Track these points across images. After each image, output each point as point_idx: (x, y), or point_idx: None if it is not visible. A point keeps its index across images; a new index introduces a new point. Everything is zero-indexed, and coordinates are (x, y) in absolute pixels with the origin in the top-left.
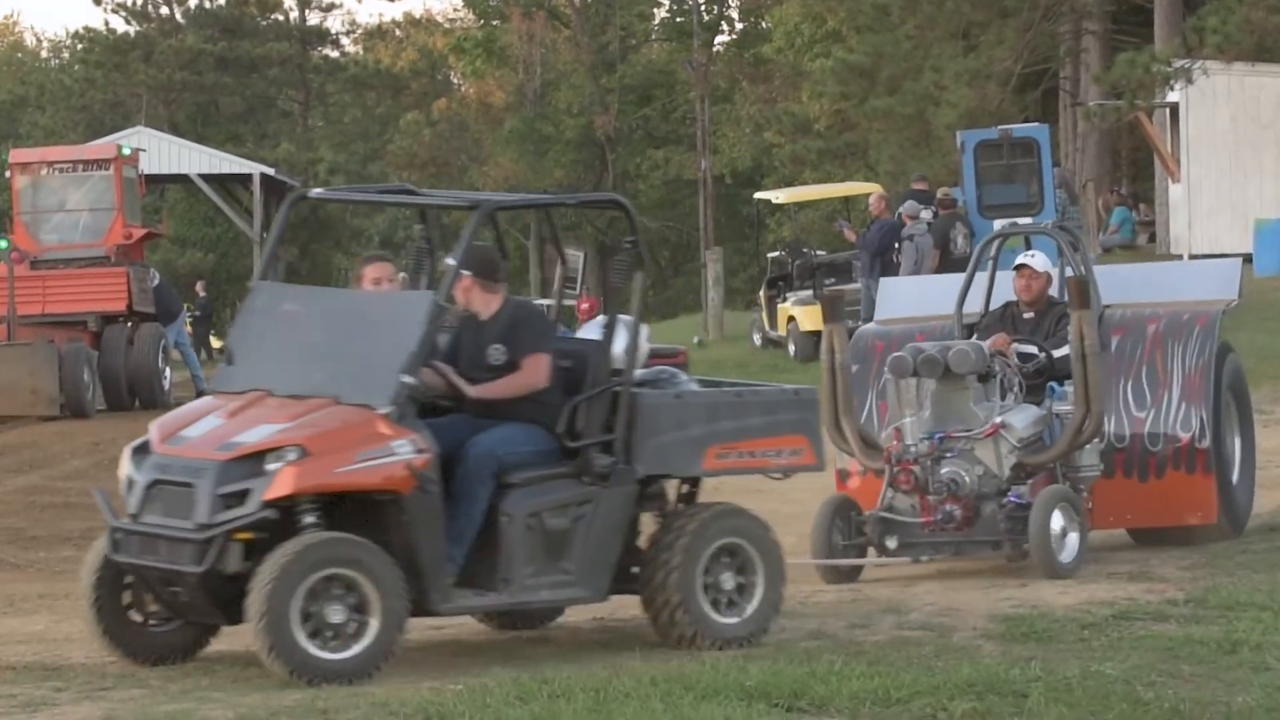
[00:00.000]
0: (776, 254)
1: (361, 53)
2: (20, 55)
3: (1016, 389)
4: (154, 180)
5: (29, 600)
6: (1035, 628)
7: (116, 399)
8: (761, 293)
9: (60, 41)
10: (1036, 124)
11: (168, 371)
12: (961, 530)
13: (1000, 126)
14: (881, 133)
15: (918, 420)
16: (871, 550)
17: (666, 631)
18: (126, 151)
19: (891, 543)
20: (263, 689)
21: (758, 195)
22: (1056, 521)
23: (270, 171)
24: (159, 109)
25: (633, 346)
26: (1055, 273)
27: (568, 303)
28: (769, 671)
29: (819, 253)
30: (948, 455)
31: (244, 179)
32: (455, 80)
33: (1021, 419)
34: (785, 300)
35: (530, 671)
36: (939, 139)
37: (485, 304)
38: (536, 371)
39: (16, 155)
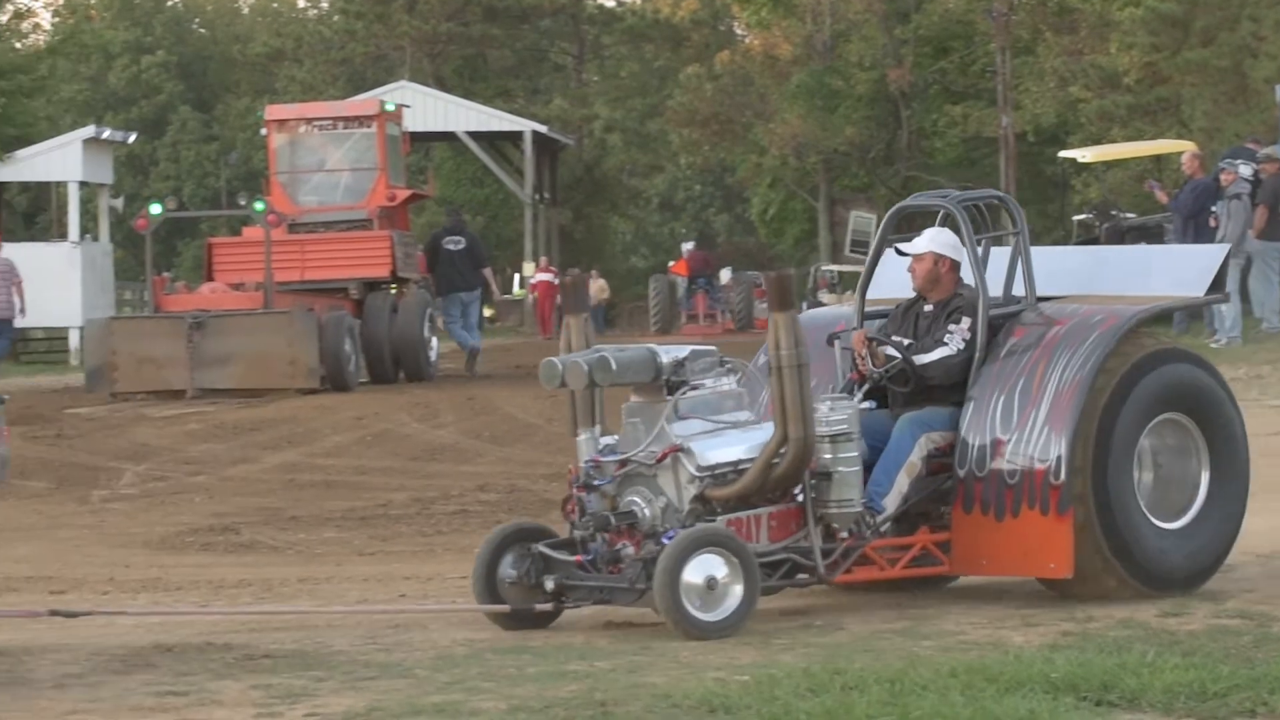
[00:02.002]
0: (1083, 216)
1: (639, 2)
2: (276, 5)
3: (839, 400)
4: (419, 138)
5: (288, 585)
6: None
7: (380, 371)
8: None
9: None
10: None
11: (434, 341)
12: (614, 573)
13: None
14: (1195, 87)
15: (590, 438)
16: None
17: None
18: (390, 108)
19: (549, 583)
20: (537, 680)
21: (1063, 154)
22: (699, 571)
23: (543, 129)
24: (424, 62)
25: None
26: (962, 253)
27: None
28: (1076, 662)
29: (1128, 215)
30: (635, 482)
31: (514, 137)
32: (739, 31)
33: (719, 442)
34: None
35: (821, 662)
36: (1256, 93)
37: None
38: None
39: (273, 112)
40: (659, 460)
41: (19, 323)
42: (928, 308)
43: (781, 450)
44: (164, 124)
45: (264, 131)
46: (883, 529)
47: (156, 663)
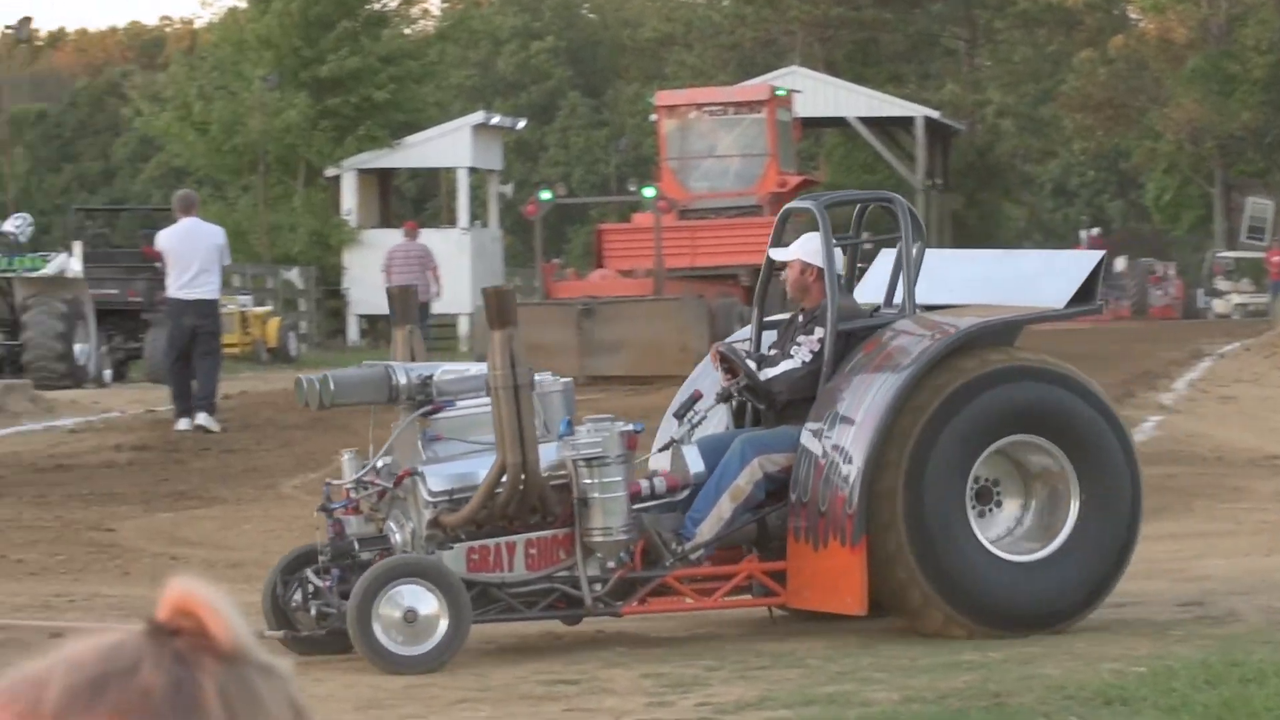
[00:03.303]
0: None
1: None
2: None
3: (600, 421)
4: (810, 124)
5: None
6: None
7: None
8: None
9: None
10: None
11: None
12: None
13: None
14: None
15: (352, 458)
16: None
17: None
18: (781, 93)
19: (313, 609)
20: (930, 671)
21: None
22: (397, 604)
23: (934, 114)
24: (814, 47)
25: None
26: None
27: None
28: None
29: None
30: (395, 506)
31: (905, 122)
32: (1132, 15)
33: (458, 466)
34: None
35: (1218, 654)
36: None
37: None
38: None
39: (663, 97)
40: (396, 484)
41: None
42: (800, 318)
43: (502, 477)
44: (553, 109)
45: (654, 117)
46: (694, 556)
47: (548, 651)
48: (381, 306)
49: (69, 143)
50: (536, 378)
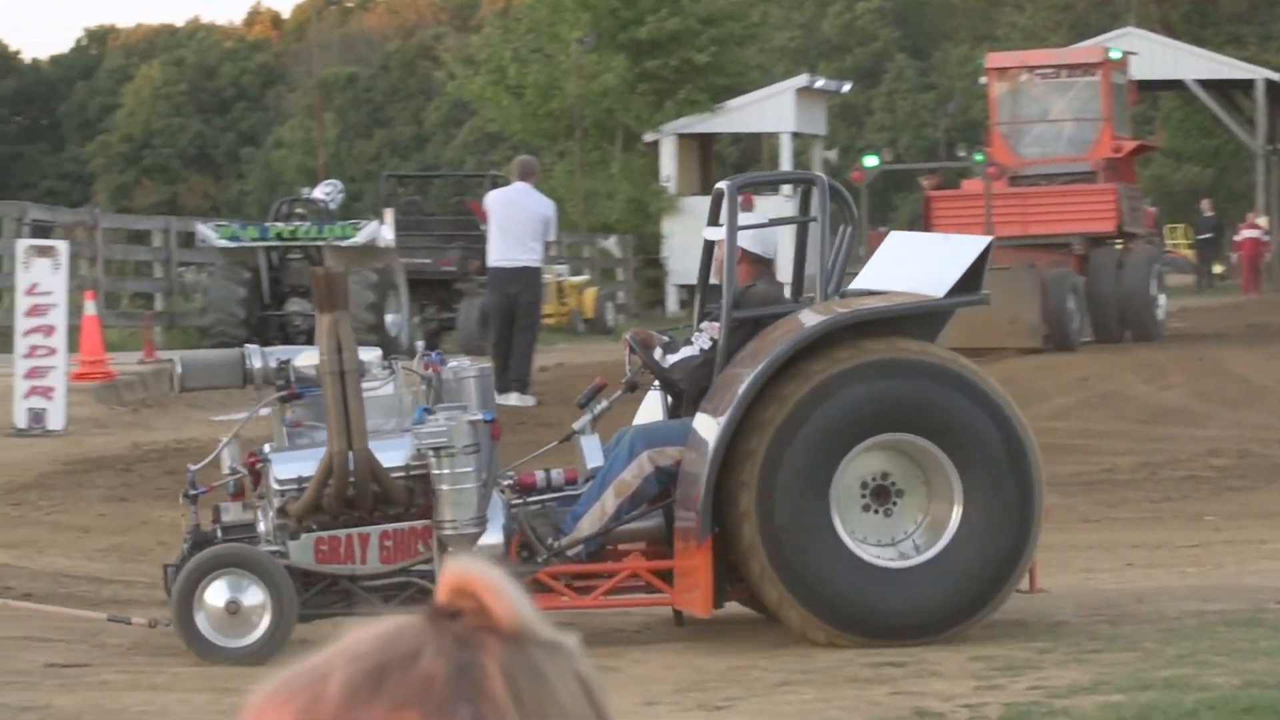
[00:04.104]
0: None
1: None
2: None
3: (452, 410)
4: (1145, 87)
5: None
6: None
7: (1104, 330)
8: None
9: None
10: None
11: (1161, 299)
12: None
13: None
14: None
15: (232, 445)
16: None
17: None
18: (1115, 55)
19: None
20: (1271, 654)
21: None
22: (220, 594)
23: (1276, 77)
24: (1150, 8)
25: None
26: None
27: None
28: None
29: None
30: (267, 494)
31: (1245, 85)
32: None
33: (304, 454)
34: None
35: None
36: None
37: None
38: None
39: (994, 60)
40: (250, 471)
41: None
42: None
43: (334, 465)
44: (879, 72)
45: (983, 80)
46: (571, 553)
47: None
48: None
49: (380, 107)
50: (452, 362)
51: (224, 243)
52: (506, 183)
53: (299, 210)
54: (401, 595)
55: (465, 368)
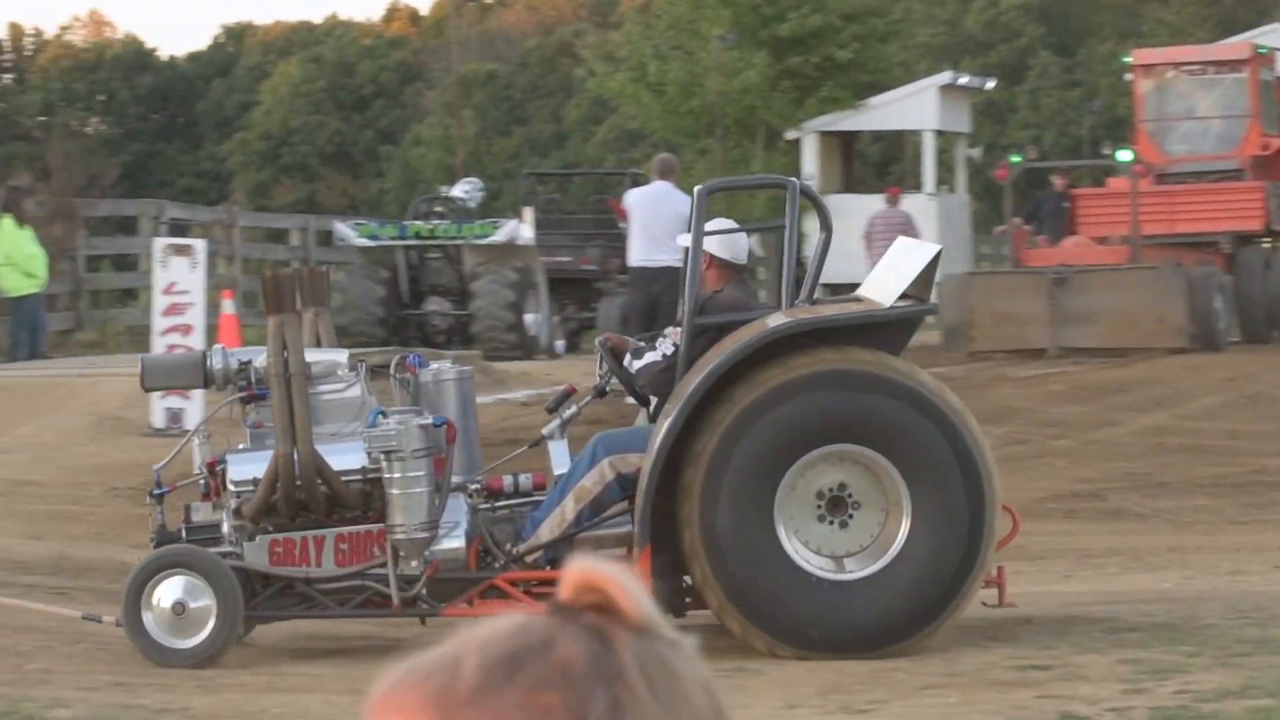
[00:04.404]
0: None
1: None
2: None
3: (404, 414)
4: None
5: (1156, 554)
6: None
7: (1252, 329)
8: None
9: None
10: None
11: None
12: None
13: None
14: None
15: (202, 443)
16: None
17: None
18: (1264, 51)
19: None
20: None
21: None
22: (169, 594)
23: None
24: None
25: None
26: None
27: None
28: None
29: None
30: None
31: None
32: None
33: (257, 456)
34: None
35: None
36: None
37: None
38: None
39: (1140, 56)
40: (210, 473)
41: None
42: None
43: (282, 468)
44: (1023, 69)
45: (1129, 77)
46: (530, 559)
47: (1019, 635)
48: (847, 274)
49: (519, 105)
50: (433, 365)
51: (363, 241)
52: (646, 181)
53: (438, 209)
54: (356, 599)
55: (445, 371)
